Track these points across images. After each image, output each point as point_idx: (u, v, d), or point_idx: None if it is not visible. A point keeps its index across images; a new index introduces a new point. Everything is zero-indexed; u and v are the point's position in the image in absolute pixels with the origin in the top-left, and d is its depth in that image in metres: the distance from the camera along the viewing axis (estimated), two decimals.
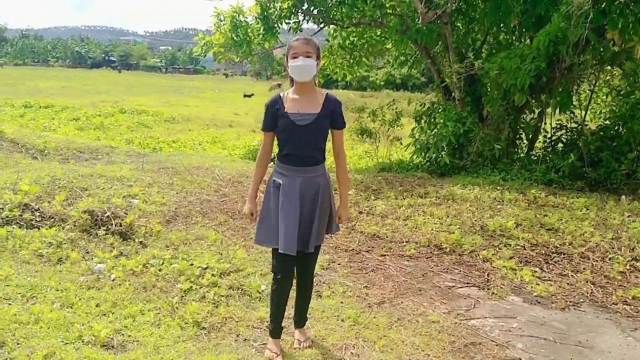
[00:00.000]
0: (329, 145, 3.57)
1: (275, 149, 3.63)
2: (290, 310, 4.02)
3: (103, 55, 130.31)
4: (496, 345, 4.14)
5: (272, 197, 3.58)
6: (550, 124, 10.82)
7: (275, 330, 3.81)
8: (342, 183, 3.80)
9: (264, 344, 3.88)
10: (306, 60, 3.43)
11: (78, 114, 22.08)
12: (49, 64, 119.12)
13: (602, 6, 8.53)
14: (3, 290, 4.20)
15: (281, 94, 3.60)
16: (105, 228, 5.72)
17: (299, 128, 3.48)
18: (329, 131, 3.61)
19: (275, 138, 3.62)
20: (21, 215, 5.68)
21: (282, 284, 3.69)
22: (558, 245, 6.30)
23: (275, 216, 3.53)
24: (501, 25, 11.35)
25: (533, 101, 10.25)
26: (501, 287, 5.21)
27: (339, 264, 5.63)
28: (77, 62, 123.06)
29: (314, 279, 5.01)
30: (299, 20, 12.95)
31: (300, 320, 3.98)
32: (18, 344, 3.47)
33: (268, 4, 12.89)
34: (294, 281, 3.88)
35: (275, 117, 3.53)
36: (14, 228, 5.41)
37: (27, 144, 10.04)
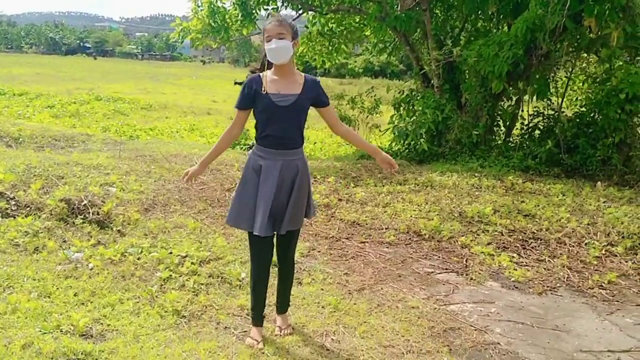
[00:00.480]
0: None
1: (252, 132, 3.59)
2: (272, 297, 4.02)
3: (78, 41, 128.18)
4: (475, 330, 4.18)
5: (249, 179, 3.54)
6: (528, 111, 10.91)
7: (257, 319, 3.81)
8: (363, 142, 3.93)
9: (244, 331, 3.88)
10: (279, 42, 3.39)
11: (53, 101, 21.75)
12: (23, 51, 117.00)
13: None
14: None
15: (261, 74, 3.56)
16: (82, 217, 5.67)
17: (280, 109, 3.45)
18: (318, 112, 3.63)
19: (255, 120, 3.58)
20: None
21: (259, 269, 3.69)
22: (535, 231, 6.38)
23: (252, 199, 3.50)
24: (479, 12, 11.41)
25: (510, 88, 10.32)
26: (479, 273, 5.26)
27: (319, 252, 5.64)
28: (51, 49, 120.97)
29: (295, 266, 5.04)
30: (277, 7, 12.86)
31: (282, 307, 3.98)
32: None
33: None
34: (275, 268, 3.89)
35: (253, 97, 3.49)
36: None
37: (1, 132, 9.88)
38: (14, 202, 5.73)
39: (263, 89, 3.46)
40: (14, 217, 5.45)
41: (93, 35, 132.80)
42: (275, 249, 3.79)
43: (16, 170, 6.70)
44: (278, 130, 3.49)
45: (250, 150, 3.65)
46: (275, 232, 3.61)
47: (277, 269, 3.94)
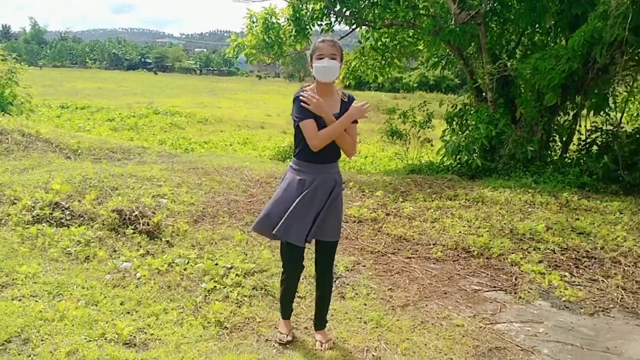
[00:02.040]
0: None
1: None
2: (310, 313, 4.01)
3: (139, 57, 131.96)
4: (521, 350, 4.06)
5: (287, 192, 3.58)
6: (585, 126, 10.62)
7: (285, 312, 3.96)
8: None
9: (285, 344, 3.88)
10: (331, 62, 3.48)
11: (113, 114, 22.45)
12: (87, 66, 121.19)
13: None
14: (30, 287, 4.28)
15: (303, 91, 3.60)
16: (133, 227, 5.78)
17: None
18: None
19: (295, 135, 3.62)
20: (51, 214, 5.79)
21: (291, 277, 3.81)
22: (589, 250, 6.17)
23: (284, 210, 3.52)
24: (536, 26, 11.19)
25: (567, 102, 10.07)
26: (529, 292, 5.11)
27: (363, 266, 5.59)
28: (113, 64, 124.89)
29: (339, 281, 5.03)
30: (331, 22, 12.93)
31: (320, 322, 3.97)
32: (42, 340, 3.53)
33: (300, 6, 12.89)
34: (314, 283, 3.93)
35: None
36: (44, 226, 5.53)
37: (61, 144, 10.21)
38: (68, 212, 5.90)
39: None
40: (68, 227, 5.61)
41: (154, 51, 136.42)
42: (314, 263, 3.82)
43: (73, 181, 6.91)
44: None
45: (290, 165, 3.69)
46: (308, 244, 3.65)
47: (315, 283, 3.94)
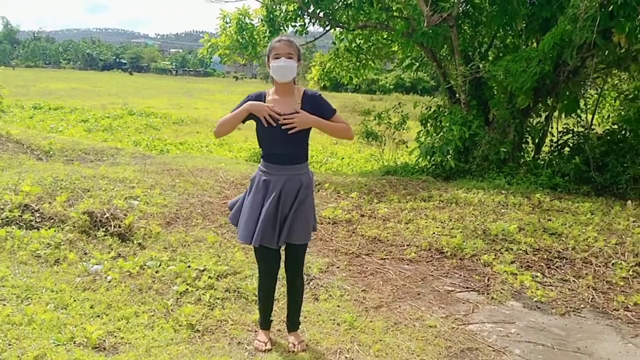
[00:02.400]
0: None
1: (255, 146, 3.62)
2: (283, 314, 4.00)
3: (114, 57, 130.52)
4: (493, 350, 4.09)
5: (255, 194, 3.59)
6: (557, 128, 10.75)
7: (264, 323, 3.92)
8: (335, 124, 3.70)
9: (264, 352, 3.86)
10: (288, 61, 3.48)
11: (87, 115, 22.16)
12: (60, 66, 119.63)
13: (609, 9, 8.45)
14: None
15: (265, 92, 3.63)
16: (104, 229, 5.72)
17: (280, 129, 3.50)
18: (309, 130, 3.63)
19: (258, 138, 3.63)
20: (21, 216, 5.70)
21: (266, 281, 3.79)
22: (560, 250, 6.24)
23: (256, 213, 3.53)
24: (508, 28, 11.29)
25: (540, 104, 10.18)
26: (501, 292, 5.16)
27: (337, 267, 5.59)
28: (88, 65, 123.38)
29: (312, 282, 5.02)
30: (305, 23, 12.91)
31: (293, 325, 3.96)
32: (9, 345, 3.46)
33: (274, 7, 12.86)
34: (285, 285, 3.92)
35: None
36: (13, 229, 5.44)
37: (32, 145, 10.08)
38: (38, 214, 5.81)
39: None
40: (38, 229, 5.53)
41: (129, 52, 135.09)
42: (284, 266, 3.81)
43: (43, 182, 6.82)
44: (280, 148, 3.56)
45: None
46: (280, 247, 3.63)
47: (286, 286, 3.94)
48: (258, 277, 3.82)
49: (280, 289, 4.77)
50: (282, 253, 3.77)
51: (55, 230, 5.49)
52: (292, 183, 3.55)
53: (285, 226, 3.55)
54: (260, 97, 3.58)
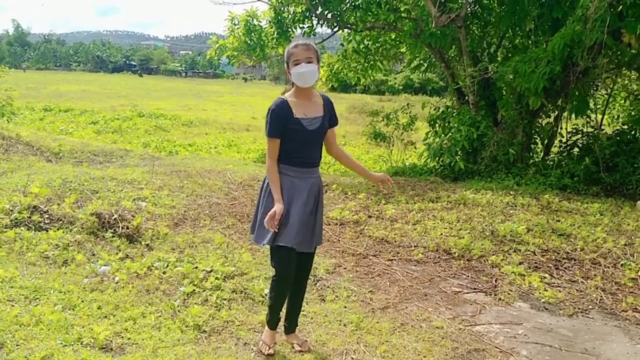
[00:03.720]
0: None
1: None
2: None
3: (124, 59, 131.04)
4: (500, 351, 4.07)
5: (286, 196, 3.53)
6: (566, 128, 10.70)
7: (273, 322, 3.81)
8: (355, 163, 3.95)
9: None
10: (308, 66, 3.44)
11: (97, 117, 22.31)
12: (71, 68, 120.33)
13: (619, 9, 8.41)
14: (7, 291, 4.23)
15: (284, 99, 3.54)
16: (112, 230, 5.75)
17: (310, 133, 3.51)
18: None
19: (281, 142, 3.53)
20: (30, 218, 5.74)
21: (286, 283, 3.68)
22: (569, 251, 6.21)
23: (285, 216, 3.49)
24: (517, 29, 11.26)
25: (549, 105, 10.13)
26: (508, 293, 5.14)
27: (344, 268, 5.59)
28: (98, 67, 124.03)
29: (319, 283, 5.03)
30: (313, 25, 12.93)
31: (292, 325, 3.95)
32: (17, 345, 3.49)
33: (282, 8, 12.90)
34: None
35: (284, 123, 3.46)
36: (22, 230, 5.48)
37: (42, 147, 10.15)
38: (47, 216, 5.85)
39: (292, 113, 3.48)
40: (46, 231, 5.56)
41: (138, 54, 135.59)
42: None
43: (52, 184, 6.86)
44: (307, 152, 3.56)
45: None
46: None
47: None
48: (275, 279, 3.67)
49: None
50: None
51: (63, 232, 5.52)
52: (314, 186, 3.59)
53: (316, 230, 3.61)
54: (284, 107, 3.48)
